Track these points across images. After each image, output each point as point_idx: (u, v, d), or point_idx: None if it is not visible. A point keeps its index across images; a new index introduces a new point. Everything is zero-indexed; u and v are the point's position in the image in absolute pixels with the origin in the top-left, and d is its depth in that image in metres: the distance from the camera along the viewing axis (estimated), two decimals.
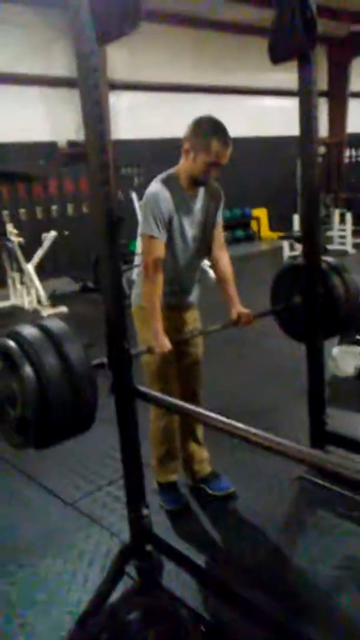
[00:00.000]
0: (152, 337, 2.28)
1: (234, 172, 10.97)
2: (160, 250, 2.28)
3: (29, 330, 1.80)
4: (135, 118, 10.15)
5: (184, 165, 2.30)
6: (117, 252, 1.92)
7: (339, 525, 2.40)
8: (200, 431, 2.69)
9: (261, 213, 12.41)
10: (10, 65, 8.23)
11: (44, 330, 1.82)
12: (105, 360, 1.99)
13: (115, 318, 1.94)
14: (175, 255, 2.36)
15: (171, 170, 2.36)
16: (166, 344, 2.26)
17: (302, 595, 2.04)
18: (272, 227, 12.29)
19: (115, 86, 9.84)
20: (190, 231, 2.37)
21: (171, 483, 2.66)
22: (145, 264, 2.29)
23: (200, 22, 10.43)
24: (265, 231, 12.35)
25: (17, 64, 8.22)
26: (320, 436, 2.82)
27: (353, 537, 2.33)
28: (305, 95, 2.46)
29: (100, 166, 1.85)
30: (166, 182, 2.31)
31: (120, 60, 9.77)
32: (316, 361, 2.77)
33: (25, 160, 8.78)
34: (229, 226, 11.80)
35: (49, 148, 9.00)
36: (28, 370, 1.70)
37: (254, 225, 12.36)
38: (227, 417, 2.88)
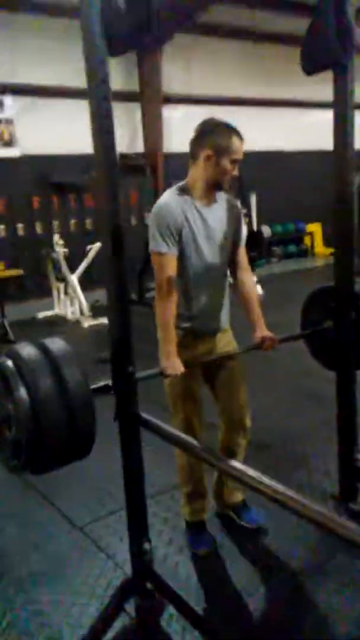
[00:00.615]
0: (163, 358, 2.16)
1: (289, 186, 10.83)
2: (171, 266, 2.14)
3: (27, 350, 1.73)
4: (188, 131, 10.13)
5: (201, 173, 2.16)
6: (123, 269, 1.83)
7: None
8: (240, 455, 2.50)
9: (315, 228, 12.10)
10: (68, 79, 8.40)
11: (44, 350, 1.74)
12: (109, 383, 1.89)
13: (119, 339, 1.84)
14: (192, 272, 2.21)
15: (181, 183, 2.23)
16: (178, 366, 2.13)
17: None
18: (326, 243, 11.96)
19: (170, 99, 9.90)
20: (207, 246, 2.21)
21: (198, 523, 2.49)
22: (158, 283, 2.15)
23: (248, 34, 10.33)
24: (319, 247, 12.02)
25: (73, 78, 8.39)
26: (351, 473, 2.60)
27: None
28: (340, 106, 2.30)
29: (109, 182, 1.76)
30: (177, 192, 2.19)
31: (175, 73, 9.83)
32: (347, 391, 2.56)
33: (76, 172, 8.91)
34: (281, 241, 11.56)
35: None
36: (22, 391, 1.62)
37: (307, 240, 12.06)
38: (256, 444, 2.73)
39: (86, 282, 7.52)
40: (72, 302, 7.35)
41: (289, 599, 2.13)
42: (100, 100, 1.72)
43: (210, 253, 2.22)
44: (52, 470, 1.75)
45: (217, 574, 2.27)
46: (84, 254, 7.37)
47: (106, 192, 1.75)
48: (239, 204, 2.36)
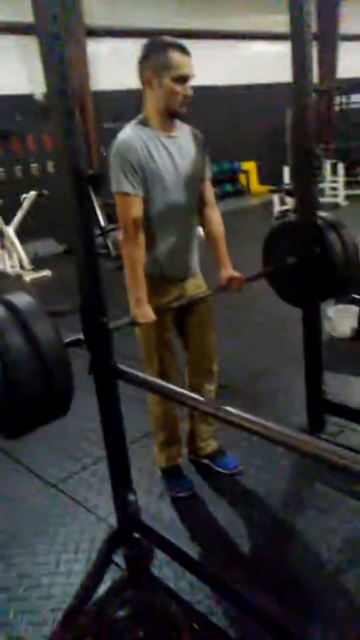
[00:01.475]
0: (133, 305, 2.06)
1: (221, 124, 10.59)
2: (137, 207, 2.00)
3: None
4: (118, 67, 9.61)
5: (152, 101, 2.02)
6: (88, 212, 1.70)
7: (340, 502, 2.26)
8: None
9: (250, 166, 12.01)
10: None
11: (10, 307, 1.61)
12: (81, 336, 1.78)
13: (89, 288, 1.73)
14: (159, 212, 2.07)
15: (139, 116, 2.08)
16: (149, 313, 2.04)
17: (302, 585, 1.90)
18: (262, 181, 11.92)
19: (94, 32, 9.28)
20: (174, 181, 2.06)
21: (173, 467, 2.47)
22: (123, 226, 2.02)
23: None
24: (255, 185, 11.98)
25: None
26: (318, 405, 2.66)
27: (355, 515, 2.18)
28: (297, 36, 2.17)
29: (65, 114, 1.59)
30: (137, 126, 2.04)
31: (98, 5, 9.19)
32: (313, 327, 2.58)
33: (0, 115, 8.33)
34: (217, 180, 11.39)
35: (24, 101, 8.51)
36: None
37: (243, 179, 11.98)
38: (221, 386, 2.73)
39: (23, 234, 7.16)
40: (10, 256, 7.00)
41: (271, 531, 2.19)
42: (51, 19, 1.53)
43: (178, 189, 2.08)
44: (28, 432, 1.66)
45: (200, 516, 2.29)
46: (18, 204, 6.98)
47: (63, 127, 1.59)
48: (200, 134, 2.20)
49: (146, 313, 2.04)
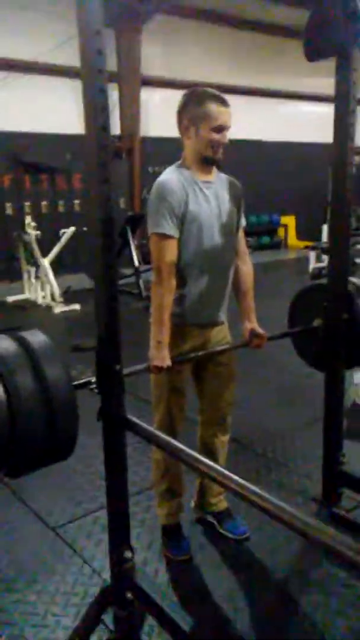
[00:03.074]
0: (153, 347, 2.03)
1: (264, 177, 10.76)
2: (172, 249, 1.99)
3: (5, 344, 1.58)
4: (167, 115, 9.91)
5: (189, 149, 2.06)
6: (114, 262, 1.69)
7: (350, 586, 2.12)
8: (222, 457, 2.41)
9: (289, 221, 12.10)
10: (47, 55, 8.09)
11: (23, 345, 1.59)
12: (92, 379, 1.75)
13: (106, 334, 1.70)
14: (193, 257, 2.04)
15: (178, 162, 2.11)
16: (167, 359, 2.01)
17: None
18: (299, 236, 11.98)
19: (148, 82, 9.66)
20: (211, 226, 2.04)
21: (173, 526, 2.37)
22: (156, 267, 2.00)
23: (238, 21, 10.17)
24: (292, 239, 12.04)
25: (53, 55, 8.07)
26: (335, 476, 2.54)
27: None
28: (341, 98, 2.19)
29: (100, 163, 1.60)
30: (177, 170, 2.06)
31: (154, 56, 9.59)
32: (334, 392, 2.49)
33: (50, 152, 8.65)
34: (255, 232, 11.50)
35: (75, 141, 8.81)
36: None
37: (281, 232, 12.06)
38: (236, 443, 2.64)
39: (58, 267, 7.30)
40: (43, 287, 7.12)
41: (272, 610, 2.05)
42: (94, 74, 1.56)
43: (214, 235, 2.06)
44: (29, 473, 1.62)
45: (198, 583, 2.17)
46: (56, 237, 7.15)
47: (97, 177, 1.60)
48: (238, 183, 2.21)
49: (164, 358, 2.01)
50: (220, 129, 1.99)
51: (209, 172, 2.09)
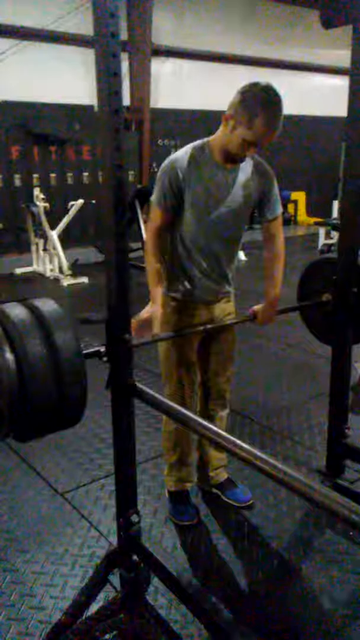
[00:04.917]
0: (151, 301, 2.05)
1: (274, 151, 10.61)
2: (157, 219, 2.07)
3: (17, 311, 1.60)
4: (177, 87, 9.79)
5: (220, 135, 1.98)
6: (124, 229, 1.69)
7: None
8: (222, 426, 2.45)
9: (299, 196, 11.97)
10: (53, 23, 7.94)
11: (34, 311, 1.61)
12: (102, 349, 1.77)
13: (117, 303, 1.71)
14: (196, 235, 2.06)
15: (207, 139, 2.05)
16: (157, 311, 2.03)
17: (301, 637, 1.82)
18: (309, 212, 11.87)
19: (159, 52, 9.49)
20: (219, 208, 2.03)
21: (182, 492, 2.42)
22: (147, 232, 2.13)
23: None
24: (302, 215, 11.93)
25: (60, 22, 7.92)
26: (339, 449, 2.57)
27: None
28: (356, 68, 2.14)
29: (113, 129, 1.59)
30: (196, 149, 2.02)
31: (165, 25, 9.39)
32: (341, 366, 2.50)
33: (60, 123, 8.55)
34: None
35: (85, 112, 8.73)
36: (8, 356, 1.50)
37: (290, 208, 11.94)
38: (241, 415, 2.67)
39: (66, 240, 7.29)
40: (51, 259, 7.13)
41: (274, 574, 2.10)
42: (107, 37, 1.54)
43: (221, 217, 2.06)
44: (37, 438, 1.65)
45: (203, 547, 2.23)
46: (65, 210, 7.12)
47: (110, 144, 1.59)
48: (268, 168, 2.15)
49: (157, 311, 2.02)
50: (252, 144, 1.91)
51: (228, 160, 2.04)
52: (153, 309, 2.02)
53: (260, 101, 1.84)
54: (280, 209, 2.21)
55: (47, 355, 1.52)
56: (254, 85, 1.87)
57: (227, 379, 2.40)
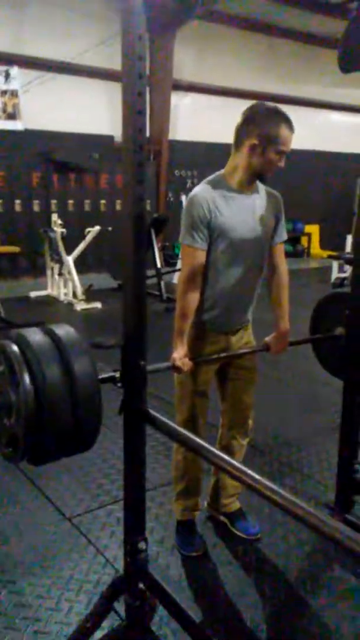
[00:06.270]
0: (175, 350, 2.08)
1: (289, 184, 10.78)
2: (195, 259, 2.05)
3: (34, 336, 1.64)
4: (195, 120, 10.02)
5: (243, 162, 2.03)
6: (143, 256, 1.74)
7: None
8: (239, 456, 2.45)
9: (313, 229, 12.07)
10: (77, 57, 8.21)
11: (52, 337, 1.65)
12: (116, 374, 1.81)
13: (133, 329, 1.75)
14: (222, 265, 2.09)
15: (219, 172, 2.12)
16: (187, 362, 2.07)
17: None
18: (323, 245, 11.94)
19: (179, 86, 9.74)
20: (242, 237, 2.07)
21: (188, 522, 2.42)
22: (182, 274, 2.09)
23: (272, 29, 10.19)
24: (315, 248, 12.00)
25: (84, 56, 8.19)
26: (349, 484, 2.56)
27: None
28: None
29: (136, 164, 1.66)
30: (212, 183, 2.08)
31: (186, 60, 9.66)
32: (352, 401, 2.51)
33: (79, 152, 8.75)
34: None
35: (105, 141, 8.95)
36: (26, 380, 1.53)
37: (304, 241, 12.03)
38: (250, 446, 2.66)
39: (81, 265, 7.40)
40: (65, 284, 7.23)
41: (281, 609, 2.08)
42: (134, 78, 1.62)
43: (245, 245, 2.09)
44: (51, 461, 1.67)
45: (209, 579, 2.21)
46: (81, 236, 7.25)
47: (133, 177, 1.65)
48: (278, 195, 2.23)
49: (186, 361, 2.06)
50: (284, 153, 2.01)
51: (251, 185, 2.11)
52: (185, 361, 2.07)
53: (271, 113, 1.97)
54: (286, 235, 2.28)
55: (64, 380, 1.55)
56: (250, 108, 2.01)
57: (247, 406, 2.40)
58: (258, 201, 2.13)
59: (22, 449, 1.53)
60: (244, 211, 2.08)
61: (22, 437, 1.50)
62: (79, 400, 1.56)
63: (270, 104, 2.02)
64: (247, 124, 1.99)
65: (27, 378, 1.51)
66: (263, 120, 1.96)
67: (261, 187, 2.17)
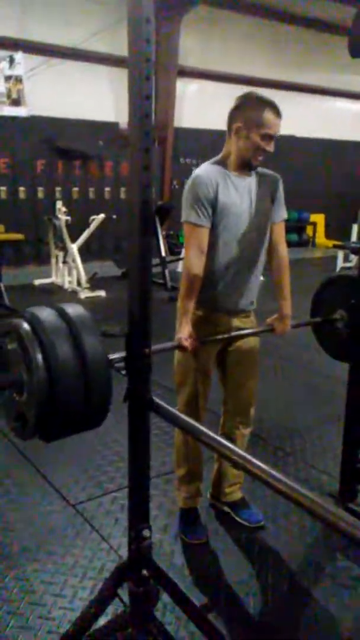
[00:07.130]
0: (179, 329, 2.08)
1: (295, 173, 10.71)
2: (201, 239, 2.07)
3: (46, 314, 1.63)
4: (201, 107, 9.93)
5: (233, 147, 2.10)
6: (149, 243, 1.73)
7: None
8: (242, 445, 2.43)
9: (319, 219, 12.00)
10: (83, 43, 8.13)
11: (63, 316, 1.64)
12: (123, 355, 1.80)
13: (138, 317, 1.74)
14: (224, 245, 2.12)
15: (217, 157, 2.16)
16: (192, 341, 2.07)
17: None
18: (328, 235, 11.88)
19: (185, 73, 9.64)
20: (243, 218, 2.12)
21: (190, 510, 2.42)
22: (186, 253, 2.11)
23: (279, 15, 10.06)
24: (320, 238, 11.94)
25: (90, 41, 8.11)
26: (352, 473, 2.56)
27: None
28: None
29: (143, 150, 1.64)
30: (213, 165, 2.12)
31: (192, 47, 9.56)
32: (357, 391, 2.50)
33: (84, 139, 8.70)
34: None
35: (110, 128, 8.88)
36: (38, 358, 1.53)
37: (309, 230, 11.97)
38: (253, 436, 2.67)
39: (85, 253, 7.38)
40: (70, 272, 7.21)
41: (284, 596, 2.09)
42: (141, 62, 1.59)
43: (246, 227, 2.12)
44: (60, 438, 1.66)
45: (212, 566, 2.22)
46: (86, 224, 7.22)
47: (140, 163, 1.64)
48: (275, 175, 2.24)
49: (190, 343, 2.06)
50: (270, 137, 2.05)
51: (244, 169, 2.14)
52: (190, 340, 2.06)
53: (258, 100, 2.05)
54: (286, 214, 2.29)
55: (76, 358, 1.55)
56: (242, 96, 2.09)
57: (249, 392, 2.40)
58: (255, 183, 2.17)
59: (33, 425, 1.53)
60: (242, 191, 2.11)
61: (34, 414, 1.49)
62: (90, 377, 1.56)
63: (257, 93, 2.08)
64: (234, 110, 2.08)
65: (39, 356, 1.50)
66: (247, 104, 2.05)
67: (253, 174, 2.19)
